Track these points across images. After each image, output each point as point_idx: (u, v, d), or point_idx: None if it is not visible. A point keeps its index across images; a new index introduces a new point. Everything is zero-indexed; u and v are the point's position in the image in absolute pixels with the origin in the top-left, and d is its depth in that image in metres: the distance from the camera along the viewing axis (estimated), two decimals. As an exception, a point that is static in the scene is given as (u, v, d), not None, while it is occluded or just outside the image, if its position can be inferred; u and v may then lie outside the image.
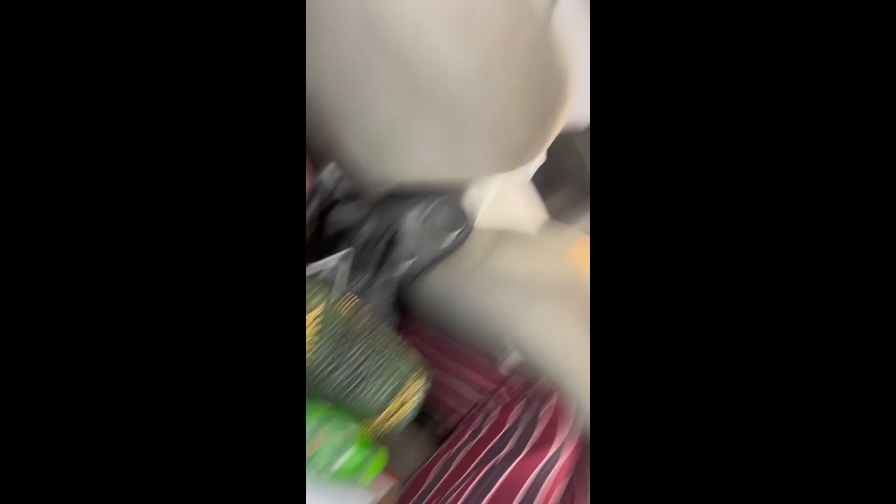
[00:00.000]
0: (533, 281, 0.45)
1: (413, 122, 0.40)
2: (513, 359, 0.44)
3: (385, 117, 0.41)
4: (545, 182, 1.11)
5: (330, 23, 0.33)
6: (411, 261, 0.56)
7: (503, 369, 0.44)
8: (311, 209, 0.53)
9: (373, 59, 0.34)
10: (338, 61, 0.35)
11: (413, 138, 0.42)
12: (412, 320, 0.59)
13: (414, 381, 0.40)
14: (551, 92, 0.34)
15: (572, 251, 0.48)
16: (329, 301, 0.39)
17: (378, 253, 0.54)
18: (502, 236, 0.56)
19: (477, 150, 0.39)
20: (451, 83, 0.34)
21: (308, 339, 0.34)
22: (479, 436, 0.36)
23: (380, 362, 0.39)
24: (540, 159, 0.39)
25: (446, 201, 0.55)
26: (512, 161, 0.39)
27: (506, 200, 0.81)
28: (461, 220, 0.56)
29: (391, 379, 0.39)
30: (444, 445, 0.39)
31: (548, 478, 0.32)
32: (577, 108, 0.50)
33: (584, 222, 1.00)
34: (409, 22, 0.32)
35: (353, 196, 0.56)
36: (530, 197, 0.86)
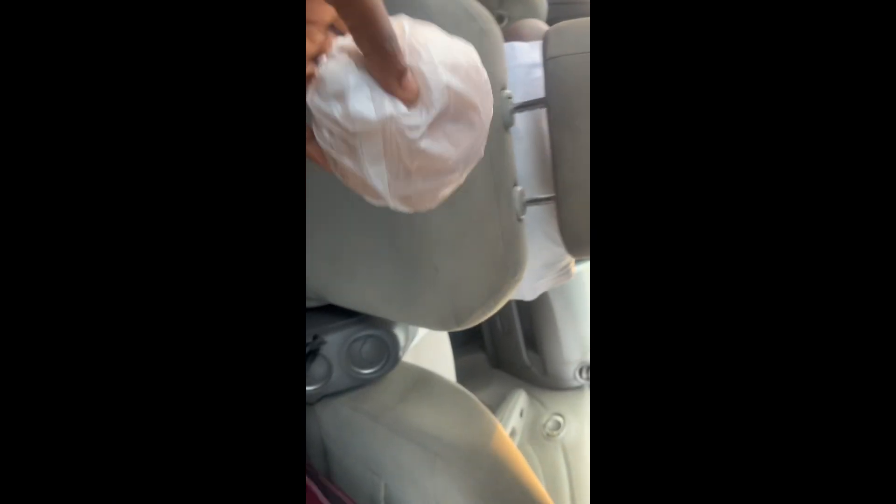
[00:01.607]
0: (438, 442, 0.45)
1: (378, 257, 0.43)
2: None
3: (355, 242, 0.44)
4: (462, 341, 1.16)
5: None
6: (324, 382, 0.54)
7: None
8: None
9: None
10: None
11: (370, 272, 0.44)
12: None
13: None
14: (507, 275, 0.39)
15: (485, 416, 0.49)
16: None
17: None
18: (421, 380, 0.57)
19: (425, 304, 0.42)
20: (425, 242, 0.38)
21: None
22: None
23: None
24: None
25: (375, 333, 0.56)
26: (451, 324, 0.42)
27: (431, 343, 0.83)
28: (384, 356, 0.57)
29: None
30: None
31: None
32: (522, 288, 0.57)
33: (489, 393, 1.03)
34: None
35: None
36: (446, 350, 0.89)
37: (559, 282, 0.54)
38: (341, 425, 0.54)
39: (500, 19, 0.80)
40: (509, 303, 1.05)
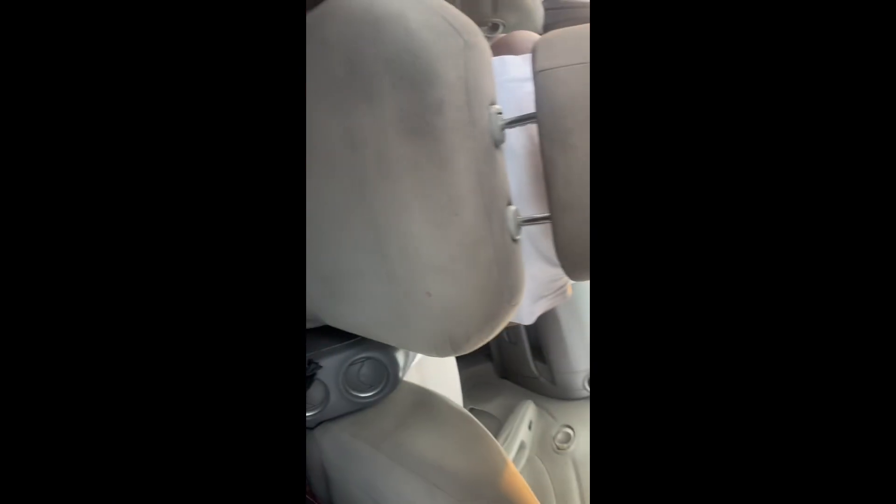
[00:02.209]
0: (439, 472, 0.44)
1: (370, 279, 0.41)
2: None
3: (347, 262, 0.42)
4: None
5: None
6: (322, 407, 0.53)
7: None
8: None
9: (352, 210, 0.37)
10: (326, 191, 0.38)
11: (363, 294, 0.43)
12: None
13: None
14: (503, 301, 0.37)
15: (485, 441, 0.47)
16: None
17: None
18: (422, 403, 0.55)
19: (419, 330, 0.40)
20: (416, 265, 0.36)
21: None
22: None
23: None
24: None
25: (373, 356, 0.55)
26: (447, 350, 0.41)
27: (431, 364, 0.81)
28: (383, 379, 0.55)
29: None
30: None
31: None
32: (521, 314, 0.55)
33: (496, 405, 1.01)
34: (396, 200, 0.36)
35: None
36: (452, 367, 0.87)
37: (555, 303, 0.52)
38: (341, 452, 0.52)
39: (495, 27, 0.78)
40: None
